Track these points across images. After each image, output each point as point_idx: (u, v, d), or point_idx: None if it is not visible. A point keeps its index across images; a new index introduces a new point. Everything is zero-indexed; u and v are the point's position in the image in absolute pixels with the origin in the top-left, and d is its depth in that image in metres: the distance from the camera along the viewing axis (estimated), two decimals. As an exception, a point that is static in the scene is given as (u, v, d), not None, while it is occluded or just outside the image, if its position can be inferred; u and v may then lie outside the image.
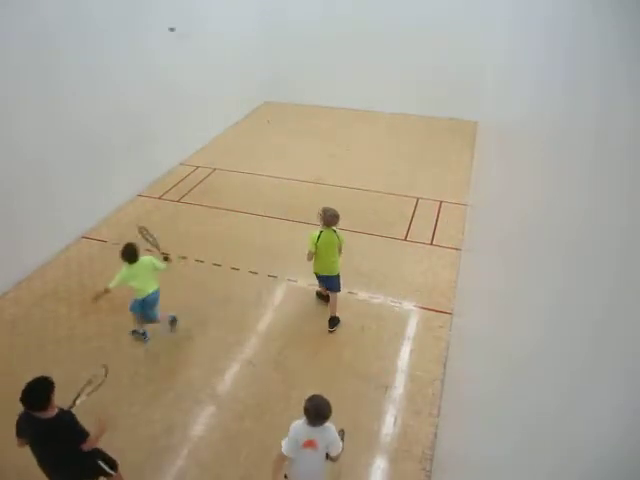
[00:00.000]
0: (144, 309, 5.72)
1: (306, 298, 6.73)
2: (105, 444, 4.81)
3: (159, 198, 9.19)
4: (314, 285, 6.81)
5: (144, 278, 5.54)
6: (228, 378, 5.58)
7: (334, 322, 6.13)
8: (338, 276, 6.01)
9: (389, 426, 5.00)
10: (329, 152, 10.88)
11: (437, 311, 6.42)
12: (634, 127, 1.11)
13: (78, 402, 3.90)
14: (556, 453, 1.30)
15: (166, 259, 5.84)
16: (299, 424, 3.63)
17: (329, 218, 5.69)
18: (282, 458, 3.66)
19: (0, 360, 5.79)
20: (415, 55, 12.01)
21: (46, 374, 5.54)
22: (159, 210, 8.81)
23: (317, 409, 3.50)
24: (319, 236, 5.73)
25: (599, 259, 1.23)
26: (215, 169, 10.25)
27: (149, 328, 6.06)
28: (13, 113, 6.51)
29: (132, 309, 5.82)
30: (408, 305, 6.55)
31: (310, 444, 3.56)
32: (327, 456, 3.71)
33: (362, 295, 6.73)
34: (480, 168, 7.63)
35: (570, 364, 1.32)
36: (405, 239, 7.91)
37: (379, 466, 4.67)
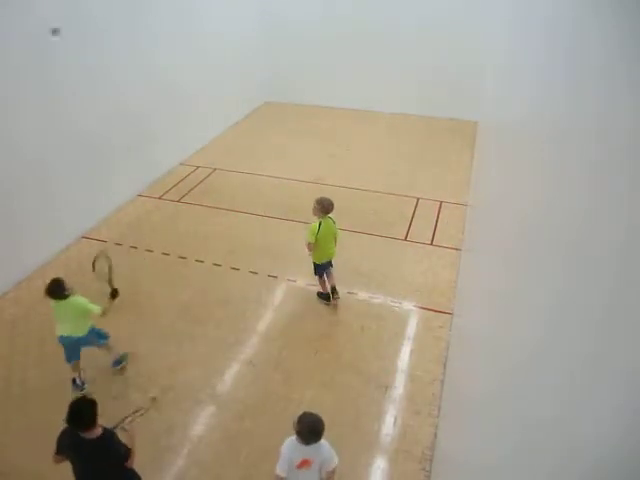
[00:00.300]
0: (65, 352, 5.17)
1: (306, 298, 6.73)
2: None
3: (159, 198, 9.19)
4: (314, 285, 6.81)
5: (64, 319, 4.96)
6: (228, 378, 5.58)
7: (336, 291, 6.47)
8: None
9: (389, 426, 5.00)
10: (329, 152, 10.88)
11: (437, 311, 6.42)
12: (634, 127, 1.11)
13: (120, 427, 3.87)
14: (556, 453, 1.30)
15: (113, 296, 5.23)
16: (292, 443, 3.44)
17: (328, 206, 6.00)
18: (278, 479, 3.48)
19: (0, 360, 5.80)
20: (415, 55, 12.01)
21: (46, 374, 5.57)
22: (159, 210, 8.81)
23: (310, 428, 3.33)
24: (319, 227, 5.96)
25: (599, 259, 1.23)
26: (215, 169, 10.25)
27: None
28: (13, 113, 6.51)
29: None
30: (408, 305, 6.55)
31: (305, 463, 3.42)
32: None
33: (362, 295, 6.73)
34: (480, 168, 7.63)
35: (570, 364, 1.32)
36: (405, 239, 7.91)
37: (379, 466, 4.67)
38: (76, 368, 5.31)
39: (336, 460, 3.52)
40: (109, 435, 3.60)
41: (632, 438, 0.87)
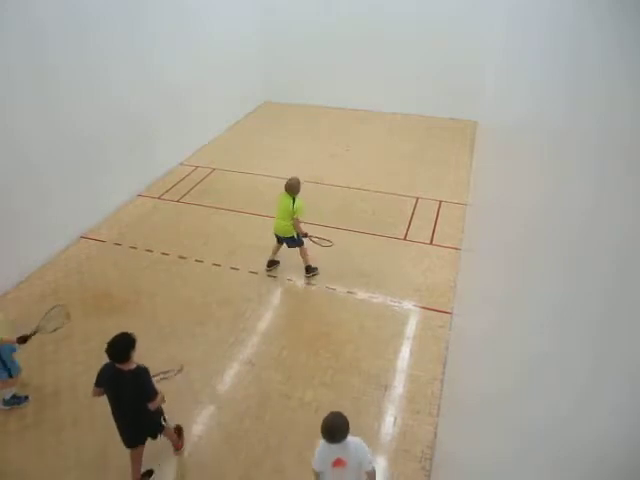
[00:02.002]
0: None
1: (306, 298, 6.74)
2: (105, 442, 4.83)
3: (159, 198, 9.19)
4: (313, 285, 6.83)
5: None
6: (228, 378, 5.58)
7: (308, 270, 6.98)
8: (292, 238, 6.76)
9: (389, 425, 5.01)
10: (329, 152, 10.88)
11: (437, 311, 6.42)
12: (634, 127, 1.11)
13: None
14: (556, 453, 1.30)
15: (24, 341, 4.88)
16: (322, 445, 3.53)
17: (286, 185, 6.57)
18: (315, 474, 3.61)
19: (0, 360, 5.79)
20: (415, 55, 12.01)
21: (46, 374, 5.57)
22: (159, 210, 8.81)
23: (332, 427, 3.40)
24: (279, 195, 6.62)
25: (599, 259, 1.23)
26: (215, 169, 10.24)
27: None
28: (12, 113, 6.51)
29: None
30: (408, 305, 6.55)
31: (339, 463, 3.48)
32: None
33: (362, 295, 6.73)
34: (479, 168, 7.63)
35: (571, 363, 1.32)
36: (405, 239, 7.91)
37: (379, 465, 4.67)
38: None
39: (370, 462, 3.57)
40: (143, 371, 3.99)
41: (633, 438, 0.88)
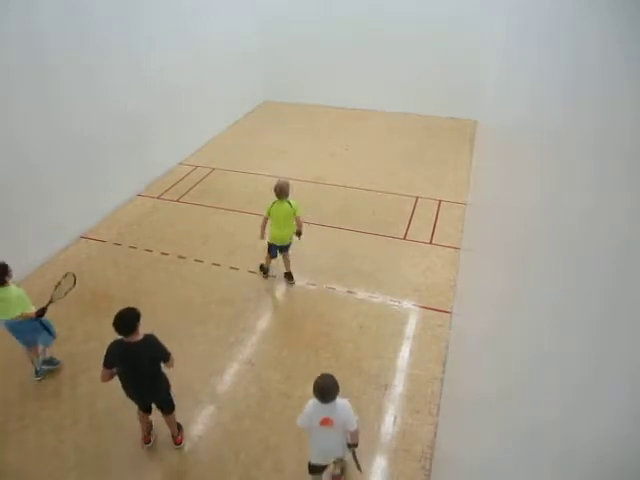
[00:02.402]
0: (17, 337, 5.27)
1: (305, 297, 6.74)
2: (105, 442, 4.83)
3: (158, 198, 9.19)
4: (312, 285, 6.82)
5: (4, 305, 4.92)
6: (228, 378, 5.58)
7: (292, 276, 6.92)
8: (290, 244, 6.69)
9: (389, 425, 5.01)
10: (329, 151, 10.88)
11: (436, 310, 6.42)
12: (634, 127, 1.11)
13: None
14: (556, 452, 1.31)
15: (42, 314, 5.10)
16: (313, 403, 3.77)
17: (277, 189, 6.28)
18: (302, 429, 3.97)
19: (0, 360, 5.80)
20: (415, 54, 12.01)
21: (46, 373, 5.56)
22: (158, 210, 8.81)
23: (323, 389, 3.64)
24: (271, 206, 6.36)
25: (599, 259, 1.23)
26: (214, 169, 10.24)
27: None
28: (11, 113, 6.50)
29: None
30: (407, 304, 6.55)
31: (326, 422, 3.73)
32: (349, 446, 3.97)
33: (361, 294, 6.73)
34: (479, 167, 7.63)
35: (571, 363, 1.32)
36: (404, 238, 7.91)
37: (379, 465, 4.68)
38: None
39: (354, 422, 3.81)
40: (151, 337, 4.23)
41: (633, 438, 0.88)
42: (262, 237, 6.66)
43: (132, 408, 5.17)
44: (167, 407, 4.65)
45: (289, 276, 6.91)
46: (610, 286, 1.12)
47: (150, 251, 7.65)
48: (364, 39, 12.23)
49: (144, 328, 6.10)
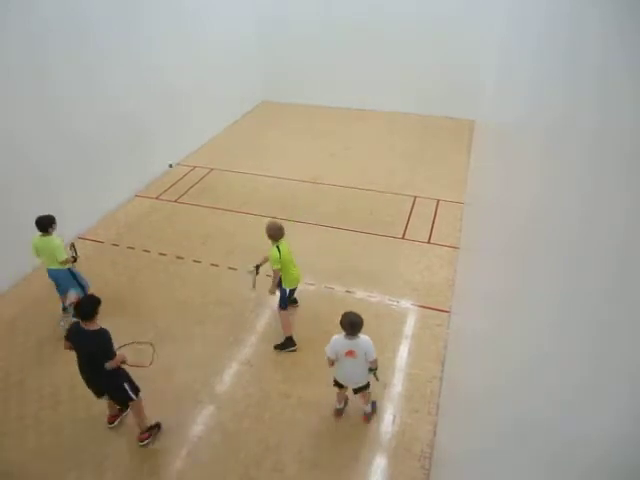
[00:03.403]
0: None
1: (304, 297, 6.74)
2: (104, 442, 4.83)
3: (156, 198, 9.18)
4: (311, 284, 6.82)
5: (47, 254, 5.71)
6: (227, 378, 5.58)
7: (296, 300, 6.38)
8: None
9: (388, 424, 5.02)
10: (327, 151, 10.88)
11: (435, 309, 6.43)
12: (634, 126, 1.11)
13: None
14: (555, 452, 1.31)
15: (74, 260, 5.95)
16: (339, 337, 4.43)
17: (275, 232, 5.48)
18: (329, 360, 4.52)
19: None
20: (413, 55, 12.02)
21: (44, 374, 5.56)
22: (156, 210, 8.80)
23: (352, 322, 4.28)
24: (279, 251, 5.40)
25: (598, 258, 1.24)
26: (213, 169, 10.23)
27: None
28: (10, 113, 6.49)
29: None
30: (406, 303, 6.56)
31: (350, 353, 4.41)
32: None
33: (360, 294, 6.74)
34: (477, 166, 7.64)
35: (569, 363, 1.33)
36: (403, 238, 7.92)
37: (379, 464, 4.68)
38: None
39: (373, 353, 4.45)
40: (104, 333, 4.30)
41: (633, 438, 0.88)
42: (273, 293, 5.76)
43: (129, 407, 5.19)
44: (117, 400, 4.74)
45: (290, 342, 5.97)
46: (610, 286, 1.13)
47: (148, 251, 7.64)
48: (363, 39, 12.23)
49: (143, 329, 6.15)
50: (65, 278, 5.90)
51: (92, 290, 6.81)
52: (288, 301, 5.81)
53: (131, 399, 4.65)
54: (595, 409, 1.09)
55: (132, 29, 8.42)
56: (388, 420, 5.06)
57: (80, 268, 7.33)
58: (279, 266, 5.43)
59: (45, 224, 5.56)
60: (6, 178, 6.54)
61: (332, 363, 4.55)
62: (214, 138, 11.70)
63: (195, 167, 10.29)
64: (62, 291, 6.05)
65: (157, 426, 4.95)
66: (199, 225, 8.33)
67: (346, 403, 5.15)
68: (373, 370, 4.63)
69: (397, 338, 6.03)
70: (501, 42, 6.34)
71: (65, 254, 5.72)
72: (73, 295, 5.79)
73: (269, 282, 5.73)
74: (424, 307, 6.49)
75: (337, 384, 4.81)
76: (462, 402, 3.64)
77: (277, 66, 13.36)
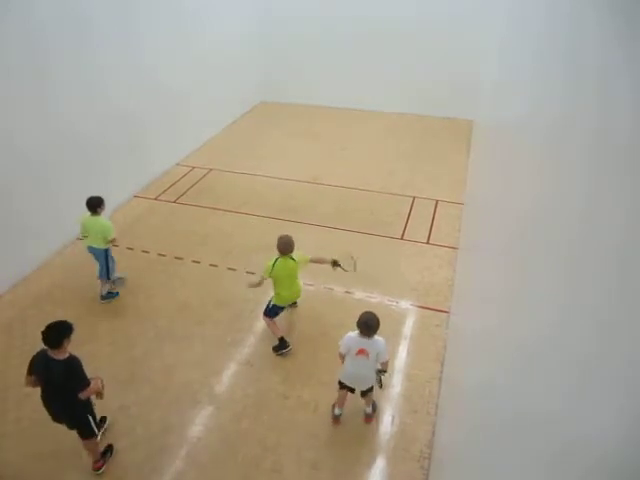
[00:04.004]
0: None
1: (303, 298, 6.72)
2: (102, 445, 4.81)
3: (155, 199, 9.17)
4: (310, 285, 6.81)
5: (94, 232, 6.15)
6: (226, 378, 5.57)
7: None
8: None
9: (387, 425, 5.01)
10: (326, 152, 10.88)
11: (434, 310, 6.43)
12: (633, 126, 1.11)
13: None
14: (554, 452, 1.31)
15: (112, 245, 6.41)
16: (352, 336, 4.39)
17: (282, 246, 5.39)
18: (341, 355, 4.54)
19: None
20: (411, 55, 12.04)
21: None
22: (155, 211, 8.79)
23: (367, 322, 4.22)
24: (274, 264, 5.41)
25: (598, 258, 1.24)
26: (211, 169, 10.23)
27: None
28: (10, 113, 6.48)
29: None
30: (405, 304, 6.56)
31: (362, 352, 4.35)
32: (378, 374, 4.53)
33: (359, 294, 6.73)
34: (476, 167, 7.65)
35: (569, 363, 1.33)
36: (402, 238, 7.92)
37: (378, 465, 4.68)
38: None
39: (387, 355, 4.43)
40: (74, 361, 4.03)
41: (632, 438, 0.88)
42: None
43: (128, 407, 5.18)
44: (81, 432, 4.39)
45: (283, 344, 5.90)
46: (610, 286, 1.13)
47: (147, 252, 7.63)
48: (361, 39, 12.24)
49: (142, 330, 6.14)
50: (99, 256, 6.36)
51: (92, 289, 6.81)
52: (274, 313, 5.79)
53: (93, 435, 4.40)
54: (595, 409, 1.08)
55: (131, 29, 8.40)
56: (387, 420, 5.06)
57: (80, 269, 7.35)
58: (266, 276, 5.48)
59: (95, 204, 6.04)
60: (4, 178, 6.52)
61: (343, 359, 4.52)
62: (213, 139, 11.70)
63: (194, 167, 10.28)
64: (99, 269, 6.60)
65: (109, 449, 4.73)
66: (198, 226, 8.32)
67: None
68: (382, 372, 4.55)
69: (396, 338, 6.03)
70: (501, 42, 6.34)
71: (114, 233, 6.17)
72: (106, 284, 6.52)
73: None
74: (423, 307, 6.49)
75: (342, 386, 4.72)
76: (461, 402, 3.64)
77: (276, 66, 13.36)
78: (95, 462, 4.58)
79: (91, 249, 6.35)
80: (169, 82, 9.64)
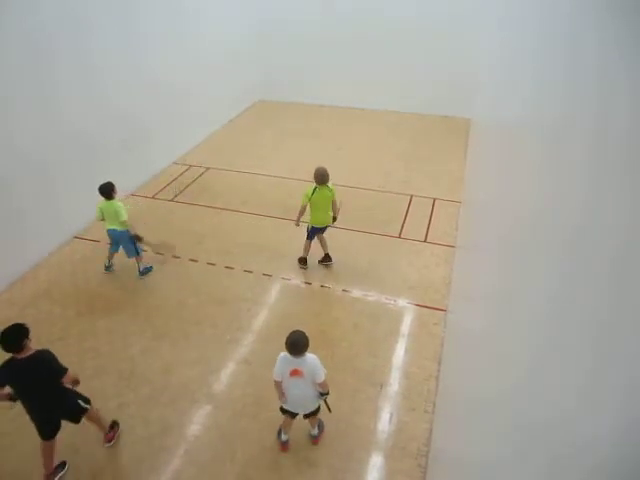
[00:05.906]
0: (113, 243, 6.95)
1: (301, 296, 6.74)
2: (99, 444, 4.81)
3: (153, 197, 9.15)
4: (309, 284, 6.82)
5: (110, 215, 6.59)
6: (224, 377, 5.57)
7: (330, 257, 7.22)
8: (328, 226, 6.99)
9: (384, 423, 5.03)
10: (324, 150, 10.86)
11: (431, 308, 6.45)
12: (633, 126, 1.12)
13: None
14: (553, 451, 1.31)
15: (137, 238, 6.78)
16: (284, 356, 4.17)
17: (319, 176, 6.46)
18: (276, 383, 4.27)
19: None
20: (409, 53, 12.03)
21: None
22: (152, 209, 8.77)
23: (294, 343, 4.01)
24: (313, 192, 6.51)
25: (597, 258, 1.24)
26: (209, 168, 10.21)
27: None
28: (10, 113, 6.46)
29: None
30: (402, 302, 6.57)
31: (296, 373, 4.13)
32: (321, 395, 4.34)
33: (356, 293, 6.75)
34: (473, 165, 7.66)
35: (568, 362, 1.33)
36: (399, 236, 7.93)
37: (375, 463, 4.69)
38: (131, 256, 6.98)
39: (322, 374, 4.17)
40: (45, 353, 4.02)
41: (632, 438, 0.89)
42: (297, 224, 6.80)
43: (127, 406, 5.17)
44: (76, 419, 4.43)
45: (328, 257, 7.20)
46: (610, 285, 1.13)
47: (145, 251, 7.61)
48: (359, 38, 12.23)
49: (139, 329, 6.13)
50: (122, 238, 6.72)
51: (92, 289, 6.81)
52: (313, 235, 6.92)
53: (85, 409, 4.45)
54: (595, 409, 1.09)
55: (131, 29, 8.38)
56: (385, 418, 5.07)
57: (77, 268, 7.34)
58: (305, 202, 6.57)
59: (108, 190, 6.47)
60: (5, 177, 6.50)
61: (281, 389, 4.27)
62: (210, 137, 11.67)
63: (191, 166, 10.26)
64: (114, 249, 6.98)
65: (115, 424, 4.87)
66: (195, 224, 8.31)
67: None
68: (324, 395, 4.34)
69: (394, 337, 6.05)
70: (501, 42, 6.35)
71: (126, 215, 6.54)
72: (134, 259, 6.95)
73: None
74: (420, 306, 6.51)
75: (284, 411, 4.53)
76: (459, 400, 3.65)
77: (272, 65, 13.33)
78: (105, 434, 4.73)
79: (111, 231, 6.70)
80: (169, 81, 9.61)
